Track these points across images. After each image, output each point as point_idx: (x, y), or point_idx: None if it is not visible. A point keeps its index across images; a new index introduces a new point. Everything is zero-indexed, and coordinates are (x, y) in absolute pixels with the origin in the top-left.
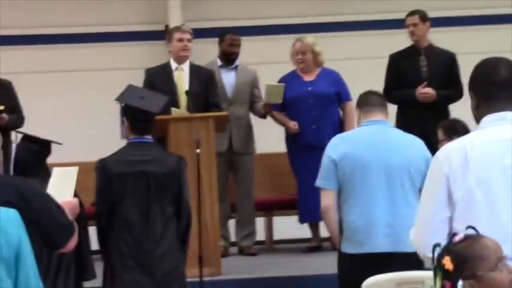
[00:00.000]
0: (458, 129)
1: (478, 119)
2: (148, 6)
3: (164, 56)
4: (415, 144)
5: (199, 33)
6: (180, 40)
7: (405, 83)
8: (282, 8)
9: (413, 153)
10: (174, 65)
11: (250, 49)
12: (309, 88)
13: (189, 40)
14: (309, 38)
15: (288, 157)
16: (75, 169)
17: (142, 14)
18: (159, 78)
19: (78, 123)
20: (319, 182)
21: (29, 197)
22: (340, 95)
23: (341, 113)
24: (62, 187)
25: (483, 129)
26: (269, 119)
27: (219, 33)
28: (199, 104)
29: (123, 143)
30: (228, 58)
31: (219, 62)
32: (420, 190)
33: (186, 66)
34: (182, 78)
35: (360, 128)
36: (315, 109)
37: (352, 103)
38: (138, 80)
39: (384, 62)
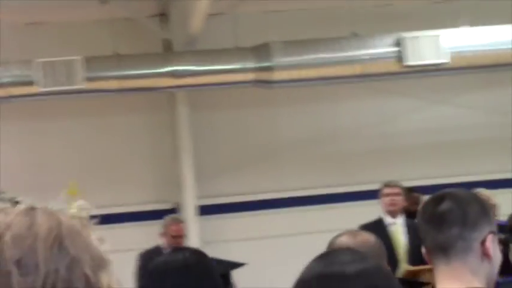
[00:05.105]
0: None
1: None
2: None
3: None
4: None
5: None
6: (387, 195)
7: None
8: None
9: None
10: (388, 220)
11: None
12: None
13: (396, 194)
14: None
15: None
16: None
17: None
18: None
19: None
20: None
21: None
22: None
23: None
24: None
25: None
26: None
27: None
28: (417, 257)
29: None
30: (412, 215)
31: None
32: None
33: (400, 220)
34: (398, 233)
35: None
36: None
37: None
38: None
39: None
